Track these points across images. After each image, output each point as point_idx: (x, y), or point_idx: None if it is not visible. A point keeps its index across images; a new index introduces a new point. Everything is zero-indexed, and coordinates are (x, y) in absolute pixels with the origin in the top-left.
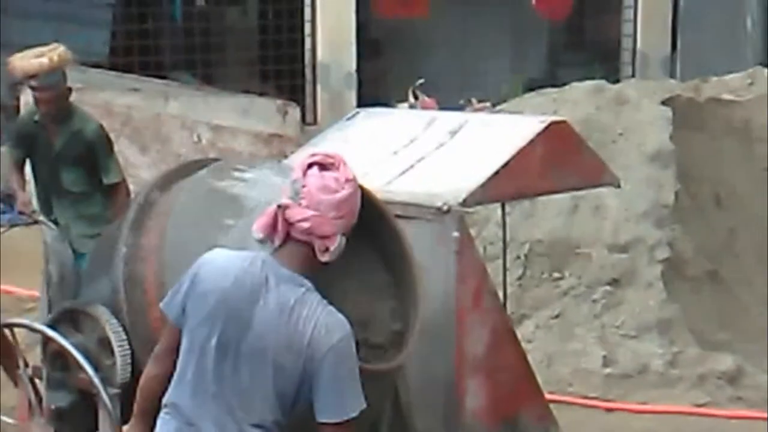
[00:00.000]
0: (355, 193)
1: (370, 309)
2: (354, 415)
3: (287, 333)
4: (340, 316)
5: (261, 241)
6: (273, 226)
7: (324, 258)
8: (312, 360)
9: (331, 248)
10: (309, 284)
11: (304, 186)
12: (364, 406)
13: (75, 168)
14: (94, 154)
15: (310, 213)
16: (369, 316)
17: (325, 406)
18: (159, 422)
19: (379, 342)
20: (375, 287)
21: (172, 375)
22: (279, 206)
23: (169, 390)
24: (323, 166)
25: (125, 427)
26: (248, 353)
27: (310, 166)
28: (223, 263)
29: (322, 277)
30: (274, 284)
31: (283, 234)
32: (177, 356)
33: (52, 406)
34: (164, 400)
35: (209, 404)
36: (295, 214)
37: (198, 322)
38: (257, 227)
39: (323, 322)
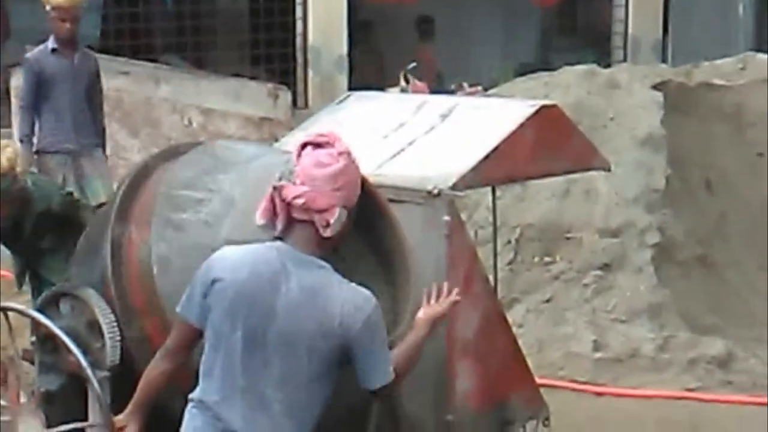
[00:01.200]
0: (352, 166)
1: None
2: (394, 376)
3: (317, 317)
4: (365, 291)
5: (264, 227)
6: (272, 210)
7: (326, 233)
8: (347, 339)
9: (331, 221)
10: (327, 265)
11: (296, 165)
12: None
13: (54, 248)
14: (69, 213)
15: (303, 189)
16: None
17: (376, 373)
18: (186, 416)
19: None
20: (367, 271)
21: (179, 372)
22: (274, 188)
23: (198, 387)
24: (317, 145)
25: (119, 416)
26: (278, 343)
27: (303, 146)
28: (235, 257)
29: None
30: (293, 270)
31: (284, 216)
32: (189, 355)
33: (42, 389)
34: (191, 396)
35: (238, 399)
36: (289, 192)
37: (219, 317)
38: (259, 213)
39: (350, 301)
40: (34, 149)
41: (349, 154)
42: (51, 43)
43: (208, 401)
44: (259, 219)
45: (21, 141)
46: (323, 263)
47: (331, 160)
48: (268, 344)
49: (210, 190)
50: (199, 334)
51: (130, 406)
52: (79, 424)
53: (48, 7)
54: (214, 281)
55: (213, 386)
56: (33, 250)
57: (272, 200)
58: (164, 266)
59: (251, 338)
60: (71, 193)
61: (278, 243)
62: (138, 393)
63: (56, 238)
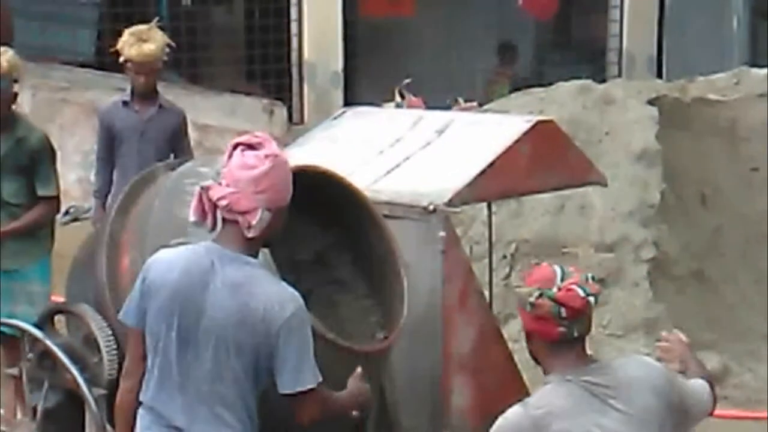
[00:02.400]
0: (279, 168)
1: (355, 308)
2: (311, 386)
3: (240, 311)
4: (291, 289)
5: (195, 224)
6: (200, 208)
7: (249, 234)
8: (268, 335)
9: (253, 222)
10: (255, 261)
11: (224, 167)
12: (320, 378)
13: (16, 178)
14: (36, 164)
15: (227, 190)
16: (354, 313)
17: (285, 378)
18: (137, 420)
19: (364, 340)
20: (361, 286)
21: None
22: (202, 187)
23: (142, 389)
24: (248, 146)
25: None
26: (206, 337)
27: (234, 147)
28: (168, 258)
29: (307, 279)
30: (219, 267)
31: (212, 215)
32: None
33: (39, 407)
34: (139, 399)
35: (176, 396)
36: (215, 193)
37: (154, 318)
38: (190, 211)
39: (275, 297)
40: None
41: (276, 156)
42: (125, 95)
43: (149, 401)
44: (192, 216)
45: (94, 195)
46: (250, 260)
47: (258, 162)
48: (199, 340)
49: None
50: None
51: None
52: None
53: (121, 58)
54: (149, 284)
55: (153, 386)
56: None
57: (200, 199)
58: (157, 232)
59: (184, 336)
60: (53, 149)
61: (208, 243)
62: (116, 426)
63: (18, 184)
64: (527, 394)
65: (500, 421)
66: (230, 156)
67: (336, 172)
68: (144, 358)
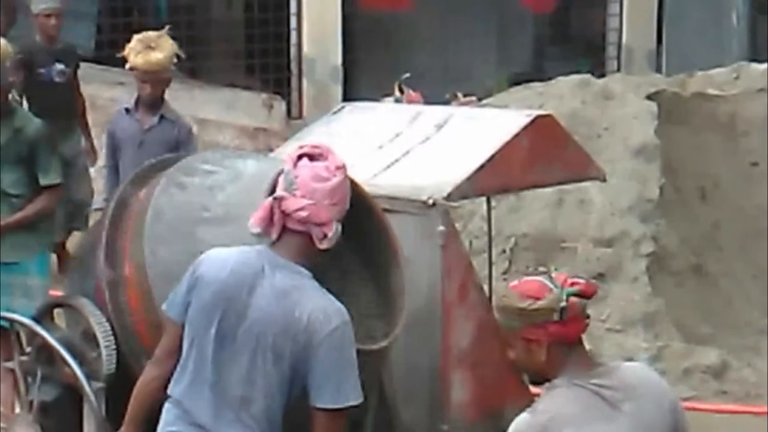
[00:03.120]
0: (346, 180)
1: (355, 301)
2: (352, 403)
3: (284, 318)
4: (338, 303)
5: (258, 235)
6: (269, 219)
7: (323, 245)
8: (309, 345)
9: (329, 235)
10: (306, 272)
11: (296, 177)
12: (362, 398)
13: (16, 168)
14: (35, 154)
15: (305, 202)
16: (353, 308)
17: (323, 391)
18: (163, 412)
19: (363, 334)
20: (360, 281)
21: (167, 378)
22: (275, 198)
23: (172, 381)
24: (312, 157)
25: None
26: (246, 340)
27: (299, 157)
28: (220, 257)
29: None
30: (270, 272)
31: (280, 226)
32: (179, 358)
33: (37, 401)
34: (168, 391)
35: (207, 394)
36: (291, 204)
37: (196, 313)
38: (254, 222)
39: (321, 309)
40: None
41: (344, 168)
42: (130, 103)
43: (178, 395)
44: (254, 227)
45: (103, 201)
46: (301, 269)
47: (329, 174)
48: (237, 342)
49: (224, 166)
50: (182, 333)
51: (123, 425)
52: None
53: (127, 65)
54: (197, 278)
55: (185, 380)
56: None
57: (271, 210)
58: (158, 216)
59: (223, 335)
60: (52, 138)
61: (261, 247)
62: (130, 408)
63: (17, 174)
64: (527, 390)
65: (510, 430)
66: (296, 166)
67: None
68: (177, 351)
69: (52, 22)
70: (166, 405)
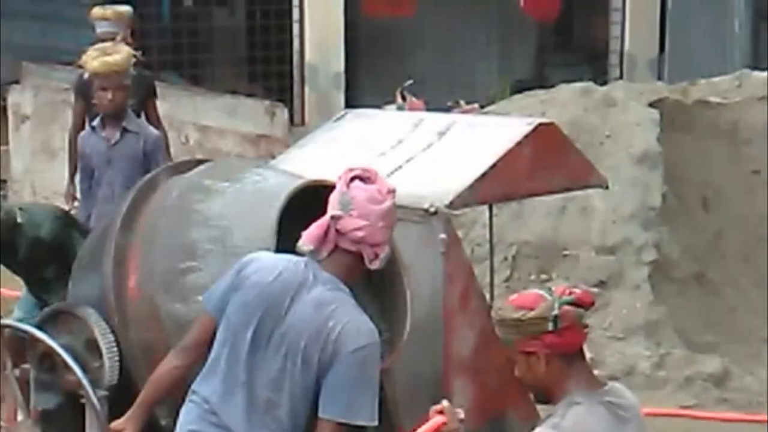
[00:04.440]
0: (394, 204)
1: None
2: (362, 423)
3: (318, 327)
4: (372, 324)
5: (311, 253)
6: (324, 237)
7: (374, 265)
8: (335, 357)
9: (381, 255)
10: (347, 289)
11: (352, 198)
12: (375, 422)
13: (48, 267)
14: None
15: (362, 223)
16: None
17: (334, 403)
18: (183, 409)
19: None
20: (362, 291)
21: (193, 368)
22: (332, 217)
23: (199, 377)
24: (364, 179)
25: (117, 421)
26: (279, 344)
27: (352, 179)
28: (268, 262)
29: None
30: (313, 283)
31: (332, 245)
32: (206, 352)
33: (39, 408)
34: (193, 387)
35: (237, 393)
36: (347, 224)
37: (236, 312)
38: (307, 239)
39: (354, 325)
40: None
41: (394, 192)
42: (96, 121)
43: (206, 394)
44: (308, 244)
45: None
46: (343, 286)
47: (382, 197)
48: (270, 345)
49: (231, 181)
50: (215, 327)
51: (132, 408)
52: None
53: (85, 75)
54: (242, 278)
55: (215, 379)
56: (35, 278)
57: (327, 228)
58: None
59: (259, 338)
60: (64, 219)
61: (310, 261)
62: (144, 393)
63: (56, 269)
64: (527, 396)
65: None
66: (348, 186)
67: (331, 180)
68: (205, 344)
69: None
70: (189, 402)
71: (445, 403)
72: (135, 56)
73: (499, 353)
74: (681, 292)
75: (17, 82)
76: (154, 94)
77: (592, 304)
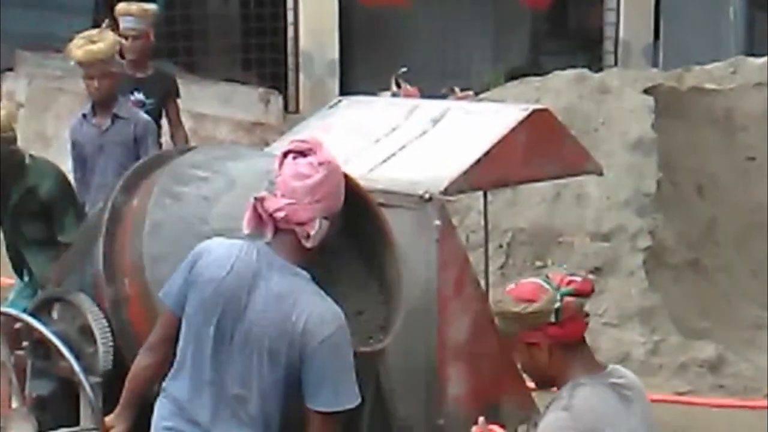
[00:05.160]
0: (333, 175)
1: (352, 298)
2: (349, 406)
3: (281, 323)
4: (336, 306)
5: (251, 236)
6: (259, 219)
7: (308, 244)
8: (305, 350)
9: (312, 233)
10: (304, 273)
11: (278, 176)
12: (359, 400)
13: (34, 220)
14: (51, 211)
15: (284, 202)
16: (351, 305)
17: (320, 394)
18: (157, 404)
19: (362, 330)
20: (357, 278)
21: (164, 364)
22: (256, 199)
23: (170, 375)
24: (299, 153)
25: (108, 417)
26: (243, 341)
27: (285, 155)
28: (220, 253)
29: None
30: (268, 273)
31: (271, 225)
32: (173, 346)
33: (33, 395)
34: (163, 385)
35: (205, 391)
36: (270, 204)
37: (195, 310)
38: (245, 223)
39: (318, 313)
40: None
41: (329, 162)
42: (86, 108)
43: (176, 392)
44: (246, 229)
45: None
46: (300, 271)
47: (311, 170)
48: (234, 343)
49: (215, 171)
50: (178, 324)
51: (118, 407)
52: (71, 430)
53: (71, 63)
54: (195, 274)
55: (183, 377)
56: (16, 232)
57: (255, 210)
58: (155, 230)
59: (222, 334)
60: (66, 184)
61: (260, 244)
62: (125, 393)
63: (37, 231)
64: (523, 383)
65: (545, 427)
66: (281, 164)
67: None
68: (171, 339)
69: (135, 45)
70: (161, 399)
71: (480, 420)
72: (120, 44)
73: (494, 341)
74: (676, 278)
75: (11, 69)
76: (177, 93)
77: (593, 291)
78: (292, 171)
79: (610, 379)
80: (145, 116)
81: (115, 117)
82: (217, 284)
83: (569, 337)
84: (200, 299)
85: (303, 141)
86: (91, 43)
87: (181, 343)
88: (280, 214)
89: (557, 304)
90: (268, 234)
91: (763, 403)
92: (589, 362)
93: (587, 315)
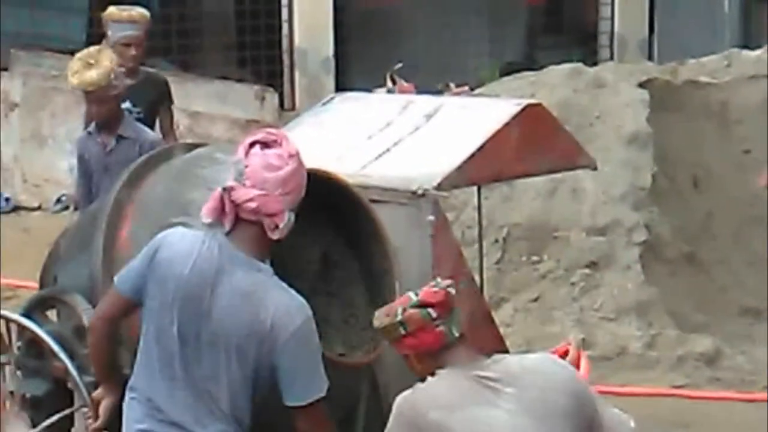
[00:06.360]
0: (300, 168)
1: (347, 299)
2: (321, 394)
3: (248, 319)
4: (300, 299)
5: (210, 226)
6: (221, 210)
7: (274, 236)
8: (275, 345)
9: (281, 225)
10: (267, 268)
11: (246, 166)
12: (327, 384)
13: None
14: None
15: (255, 192)
16: (346, 306)
17: (293, 389)
18: (125, 406)
19: (356, 331)
20: (350, 275)
21: (117, 332)
22: (224, 189)
23: (134, 373)
24: (265, 144)
25: (95, 392)
26: (209, 341)
27: (251, 145)
28: (181, 248)
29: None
30: (231, 269)
31: (232, 216)
32: (118, 326)
33: (27, 395)
34: (130, 384)
35: (178, 389)
36: (240, 195)
37: (158, 308)
38: (205, 212)
39: (284, 308)
40: None
41: (297, 156)
42: (91, 125)
43: (148, 392)
44: (206, 217)
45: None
46: (262, 266)
47: (281, 162)
48: (201, 341)
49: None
50: (128, 307)
51: (101, 387)
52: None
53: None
54: (155, 266)
55: (153, 377)
56: None
57: (221, 200)
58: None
59: (186, 333)
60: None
61: (222, 238)
62: (95, 366)
63: None
64: None
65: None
66: (247, 154)
67: (317, 168)
68: (115, 320)
69: (130, 52)
70: (131, 400)
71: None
72: (121, 65)
73: (489, 336)
74: (672, 272)
75: (6, 69)
76: (169, 98)
77: (443, 302)
78: (262, 162)
79: (474, 371)
80: (152, 135)
81: (120, 137)
82: (178, 284)
83: (427, 347)
84: (162, 297)
85: (269, 133)
86: (89, 66)
87: (144, 340)
88: (251, 205)
89: (399, 318)
90: (227, 225)
91: (761, 396)
92: (463, 362)
93: (437, 324)
